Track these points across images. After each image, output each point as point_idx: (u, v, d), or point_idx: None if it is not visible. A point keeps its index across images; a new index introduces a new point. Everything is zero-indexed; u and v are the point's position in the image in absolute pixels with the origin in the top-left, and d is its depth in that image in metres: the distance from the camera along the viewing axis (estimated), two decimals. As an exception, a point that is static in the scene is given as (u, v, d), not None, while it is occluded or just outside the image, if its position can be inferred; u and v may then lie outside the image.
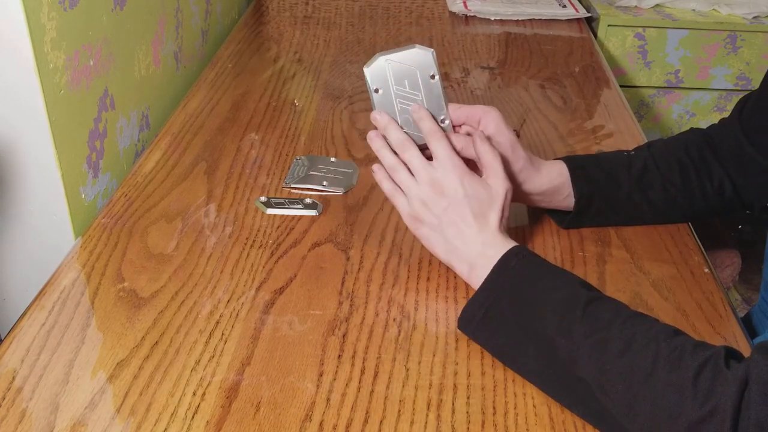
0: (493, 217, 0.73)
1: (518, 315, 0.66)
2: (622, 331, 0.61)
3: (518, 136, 0.82)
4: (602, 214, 0.86)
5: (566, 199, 0.84)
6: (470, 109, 0.79)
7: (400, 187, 0.77)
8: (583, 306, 0.63)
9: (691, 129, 0.90)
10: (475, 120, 0.79)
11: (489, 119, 0.78)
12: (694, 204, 0.87)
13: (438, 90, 0.78)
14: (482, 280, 0.70)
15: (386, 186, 0.77)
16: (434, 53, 0.77)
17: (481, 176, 0.76)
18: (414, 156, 0.75)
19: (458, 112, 0.79)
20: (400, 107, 0.78)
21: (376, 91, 0.77)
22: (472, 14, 1.63)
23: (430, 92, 0.78)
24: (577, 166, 0.83)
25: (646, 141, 0.96)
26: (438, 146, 0.75)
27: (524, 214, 0.90)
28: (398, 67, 0.77)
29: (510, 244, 0.72)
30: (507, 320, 0.67)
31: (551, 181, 0.82)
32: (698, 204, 0.87)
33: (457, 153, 0.76)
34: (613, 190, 0.84)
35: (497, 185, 0.74)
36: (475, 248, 0.73)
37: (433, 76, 0.77)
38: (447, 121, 0.79)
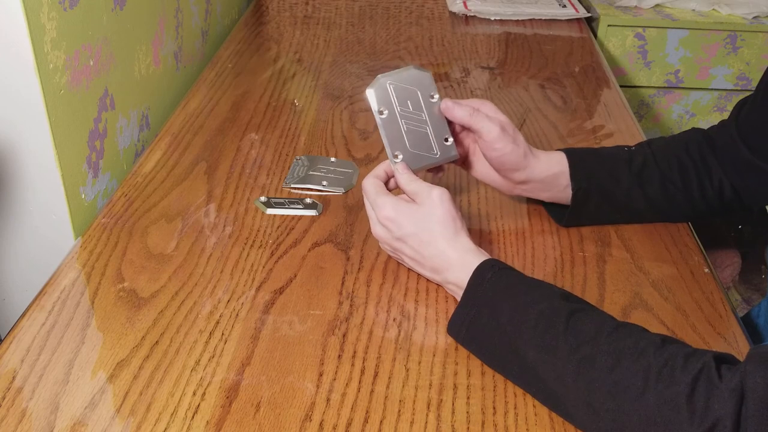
0: (438, 232, 0.72)
1: (498, 331, 0.65)
2: (609, 345, 0.60)
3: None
4: (601, 209, 0.86)
5: (564, 190, 0.84)
6: (466, 104, 0.80)
7: None
8: (565, 320, 0.62)
9: (693, 129, 0.90)
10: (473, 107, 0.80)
11: (486, 111, 0.79)
12: (693, 203, 0.87)
13: (439, 110, 0.79)
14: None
15: None
16: (431, 74, 0.79)
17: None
18: (368, 213, 0.78)
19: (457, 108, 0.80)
20: (406, 127, 0.78)
21: (381, 112, 0.77)
22: (472, 14, 1.63)
23: (433, 112, 0.79)
24: (577, 158, 0.84)
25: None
26: (365, 192, 0.77)
27: (524, 214, 0.90)
28: (400, 88, 0.78)
29: (473, 260, 0.70)
30: (488, 337, 0.66)
31: (550, 168, 0.82)
32: (698, 203, 0.87)
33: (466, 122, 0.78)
34: (612, 185, 0.84)
35: (426, 198, 0.73)
36: (442, 275, 0.73)
37: (432, 96, 0.79)
38: (450, 140, 0.80)
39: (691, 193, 0.86)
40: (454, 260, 0.71)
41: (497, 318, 0.66)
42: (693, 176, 0.85)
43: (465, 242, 0.72)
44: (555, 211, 0.88)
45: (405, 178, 0.77)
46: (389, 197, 0.75)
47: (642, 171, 0.85)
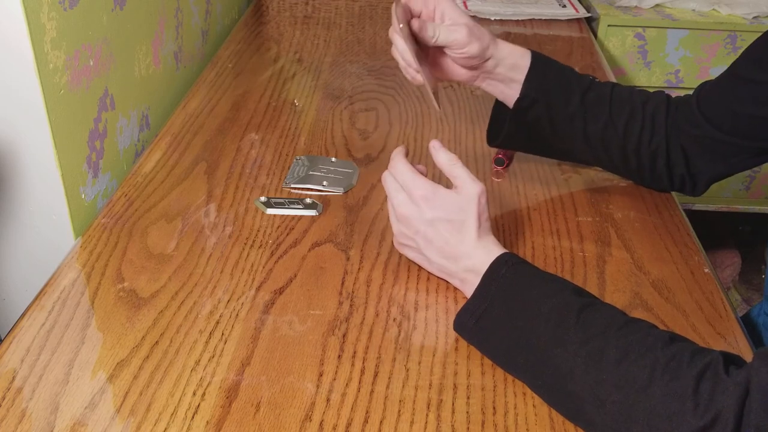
0: (470, 223, 0.72)
1: (510, 325, 0.66)
2: (618, 339, 0.60)
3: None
4: (539, 125, 0.87)
5: (516, 89, 0.86)
6: None
7: None
8: (576, 314, 0.63)
9: (660, 91, 0.91)
10: (431, 8, 0.84)
11: (444, 6, 0.83)
12: (626, 157, 0.89)
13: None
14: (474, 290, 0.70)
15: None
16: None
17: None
18: (388, 191, 0.76)
19: (413, 1, 0.84)
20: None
21: (402, 28, 0.81)
22: (472, 14, 1.63)
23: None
24: (540, 63, 0.86)
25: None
26: (396, 171, 0.75)
27: (524, 214, 0.90)
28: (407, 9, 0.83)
29: (496, 250, 0.71)
30: (498, 330, 0.67)
31: (513, 55, 0.86)
32: (630, 159, 0.89)
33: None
34: (558, 103, 0.86)
35: (467, 190, 0.73)
36: (460, 263, 0.72)
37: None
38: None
39: (626, 144, 0.88)
40: (482, 246, 0.72)
41: (509, 310, 0.66)
42: (636, 130, 0.87)
43: (492, 238, 0.73)
44: (492, 128, 0.92)
45: (444, 158, 0.75)
46: (427, 180, 0.74)
47: (593, 106, 0.87)
